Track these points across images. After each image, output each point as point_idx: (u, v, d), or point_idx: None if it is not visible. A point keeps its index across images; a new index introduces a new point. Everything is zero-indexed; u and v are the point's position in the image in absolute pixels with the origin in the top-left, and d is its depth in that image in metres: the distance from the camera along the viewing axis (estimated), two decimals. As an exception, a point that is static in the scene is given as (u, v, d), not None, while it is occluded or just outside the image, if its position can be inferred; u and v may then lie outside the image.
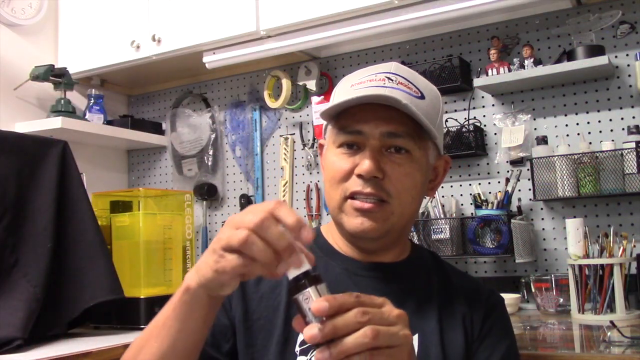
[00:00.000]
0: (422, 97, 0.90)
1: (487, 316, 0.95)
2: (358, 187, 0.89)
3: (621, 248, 1.60)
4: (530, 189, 1.91)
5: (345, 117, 0.91)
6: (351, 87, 0.92)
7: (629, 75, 1.88)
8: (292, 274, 0.64)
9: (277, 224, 0.64)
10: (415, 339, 0.90)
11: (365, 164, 0.87)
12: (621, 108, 1.89)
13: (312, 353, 0.88)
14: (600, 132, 1.91)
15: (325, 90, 2.37)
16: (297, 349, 0.89)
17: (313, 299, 0.62)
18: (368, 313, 0.62)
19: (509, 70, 1.95)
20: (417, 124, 0.88)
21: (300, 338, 0.90)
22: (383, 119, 0.88)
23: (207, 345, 0.90)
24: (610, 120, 1.91)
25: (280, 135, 2.46)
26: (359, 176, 0.88)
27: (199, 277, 0.70)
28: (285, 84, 2.36)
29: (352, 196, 0.90)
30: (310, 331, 0.61)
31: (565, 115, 1.97)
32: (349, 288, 0.91)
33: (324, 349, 0.61)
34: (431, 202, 2.03)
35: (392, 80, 0.90)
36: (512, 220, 1.87)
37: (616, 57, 1.90)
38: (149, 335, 0.78)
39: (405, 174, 0.90)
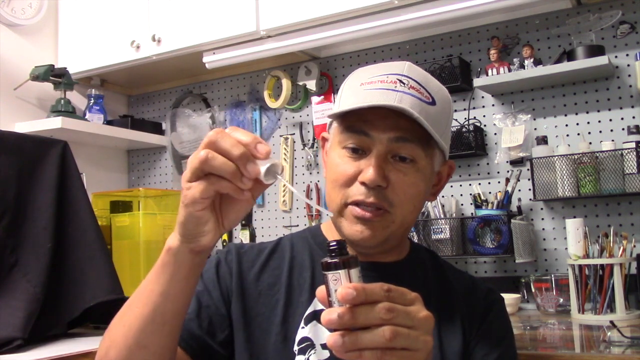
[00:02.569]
0: (433, 102, 0.88)
1: (485, 315, 0.95)
2: (361, 196, 0.87)
3: (621, 248, 1.60)
4: (530, 189, 1.91)
5: (352, 117, 0.89)
6: (361, 85, 0.89)
7: (629, 75, 1.88)
8: (268, 179, 0.67)
9: (230, 136, 0.66)
10: None
11: (369, 173, 0.85)
12: (621, 108, 1.89)
13: (309, 352, 0.88)
14: (600, 132, 1.91)
15: (325, 90, 2.37)
16: (295, 348, 0.89)
17: (342, 283, 0.61)
18: (393, 311, 0.60)
19: (509, 70, 1.95)
20: (425, 130, 0.86)
21: (299, 337, 0.89)
22: (392, 125, 0.87)
23: (202, 331, 0.90)
24: (610, 120, 1.90)
25: (280, 135, 2.46)
26: (363, 184, 0.87)
27: (177, 229, 0.72)
28: (285, 84, 2.36)
29: (353, 203, 0.88)
30: (329, 315, 0.60)
31: (565, 115, 1.97)
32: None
33: (339, 335, 0.60)
34: (431, 202, 2.03)
35: (404, 83, 0.87)
36: (512, 220, 1.87)
37: (616, 57, 1.90)
38: (132, 301, 0.78)
39: (410, 184, 0.88)
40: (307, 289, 0.92)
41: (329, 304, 0.61)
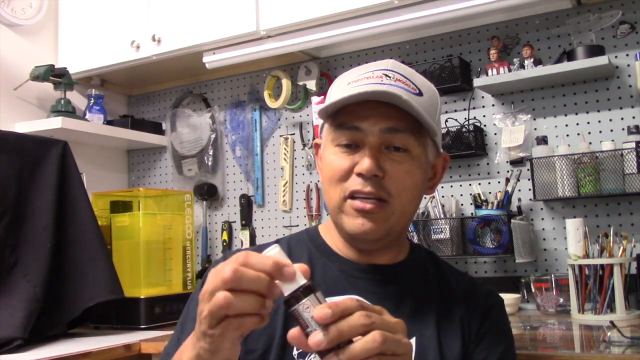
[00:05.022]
0: (420, 94, 0.89)
1: (485, 318, 0.95)
2: (358, 186, 0.87)
3: (621, 248, 1.60)
4: (530, 189, 1.91)
5: (343, 114, 0.90)
6: (348, 84, 0.90)
7: (629, 75, 1.88)
8: (288, 290, 0.62)
9: (250, 270, 0.61)
10: (413, 342, 0.88)
11: (365, 162, 0.86)
12: (621, 108, 1.89)
13: (309, 357, 0.88)
14: (600, 132, 1.91)
15: (325, 90, 2.37)
16: (295, 352, 0.88)
17: (314, 307, 0.61)
18: (371, 316, 0.61)
19: (509, 70, 1.95)
20: (416, 120, 0.87)
21: None
22: (382, 116, 0.87)
23: None
24: (610, 120, 1.90)
25: (280, 135, 2.46)
26: (359, 175, 0.87)
27: (193, 353, 0.68)
28: (285, 84, 2.36)
29: (352, 196, 0.88)
30: (315, 338, 0.60)
31: (565, 115, 1.97)
32: (346, 290, 0.91)
33: (332, 356, 0.60)
34: (431, 202, 2.03)
35: (390, 77, 0.88)
36: (512, 220, 1.87)
37: (616, 57, 1.90)
38: None
39: (406, 171, 0.89)
40: None
41: (307, 335, 0.61)
